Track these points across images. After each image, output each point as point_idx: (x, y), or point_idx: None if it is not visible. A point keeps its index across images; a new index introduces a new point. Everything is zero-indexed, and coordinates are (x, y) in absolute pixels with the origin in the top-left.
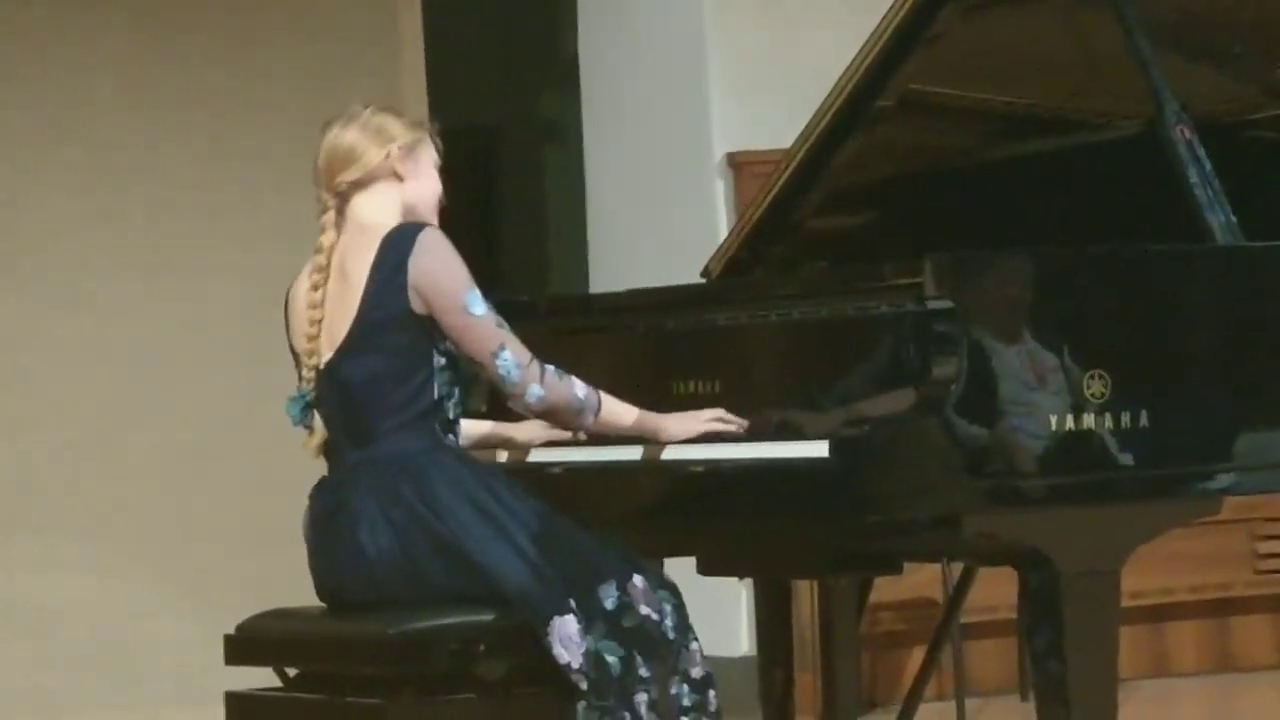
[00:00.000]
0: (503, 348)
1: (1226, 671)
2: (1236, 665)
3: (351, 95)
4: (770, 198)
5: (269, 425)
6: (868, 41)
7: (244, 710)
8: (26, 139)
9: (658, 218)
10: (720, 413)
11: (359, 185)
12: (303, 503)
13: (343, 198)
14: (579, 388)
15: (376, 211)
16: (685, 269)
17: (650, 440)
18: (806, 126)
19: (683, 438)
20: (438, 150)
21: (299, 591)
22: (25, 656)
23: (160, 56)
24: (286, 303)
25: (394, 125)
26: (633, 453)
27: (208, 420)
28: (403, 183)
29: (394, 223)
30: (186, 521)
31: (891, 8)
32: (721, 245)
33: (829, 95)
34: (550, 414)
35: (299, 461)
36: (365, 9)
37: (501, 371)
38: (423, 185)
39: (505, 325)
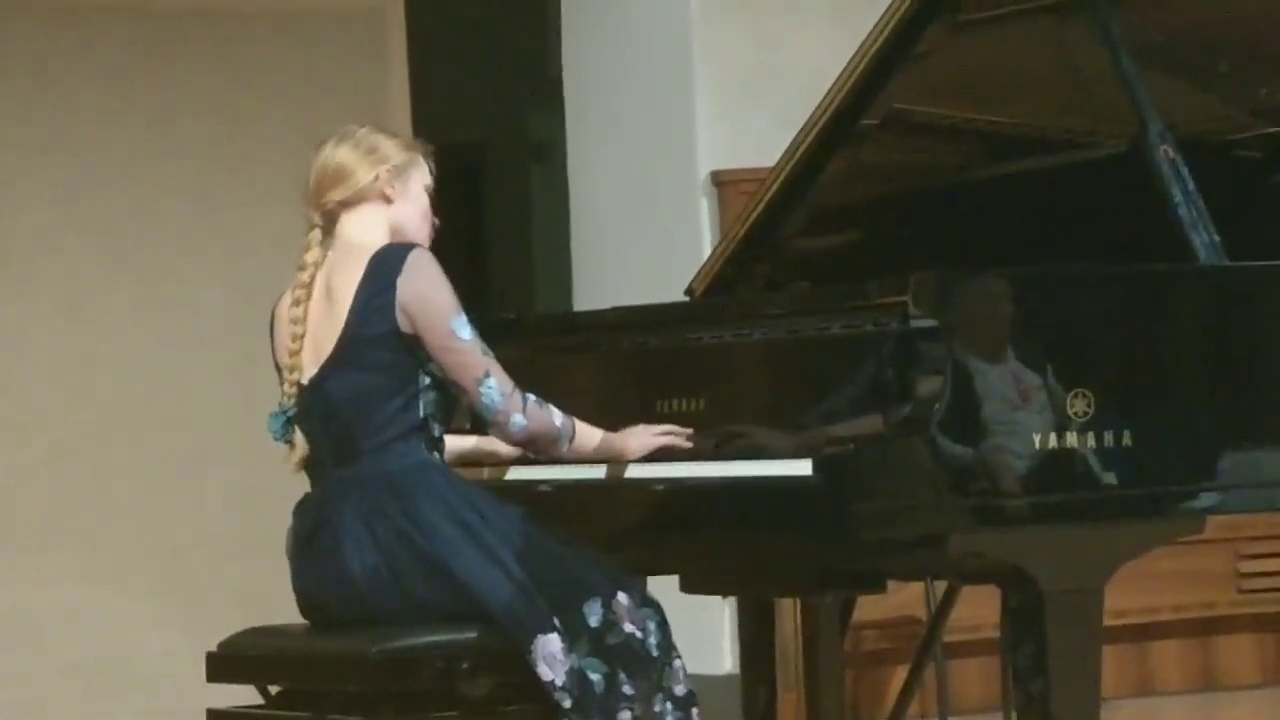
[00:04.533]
0: (487, 375)
1: (1210, 691)
2: (1220, 684)
3: (338, 109)
4: (754, 216)
5: (258, 435)
6: (853, 60)
7: None
8: (15, 148)
9: (642, 235)
10: (670, 427)
11: (346, 205)
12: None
13: (329, 217)
14: (557, 416)
15: (364, 231)
16: (669, 287)
17: (615, 460)
18: (791, 144)
19: (643, 454)
20: (430, 172)
21: (286, 605)
22: (11, 668)
23: (150, 68)
24: (272, 320)
25: (387, 145)
26: (605, 471)
27: (196, 430)
28: (390, 204)
29: (381, 242)
30: (174, 533)
31: (876, 26)
32: (705, 263)
33: (814, 113)
34: (530, 443)
35: (288, 473)
36: (352, 26)
37: (485, 400)
38: (410, 208)
39: (490, 352)
